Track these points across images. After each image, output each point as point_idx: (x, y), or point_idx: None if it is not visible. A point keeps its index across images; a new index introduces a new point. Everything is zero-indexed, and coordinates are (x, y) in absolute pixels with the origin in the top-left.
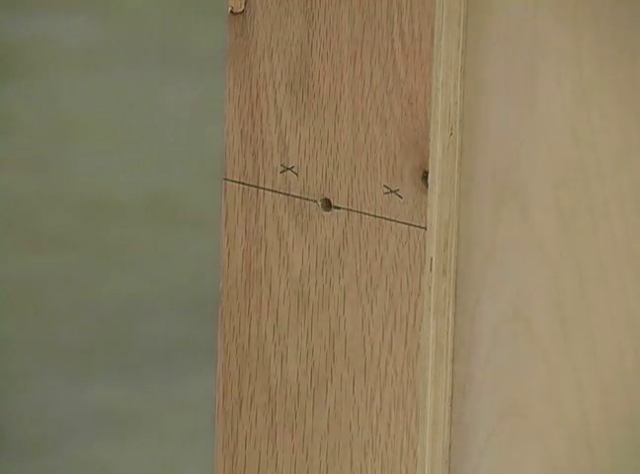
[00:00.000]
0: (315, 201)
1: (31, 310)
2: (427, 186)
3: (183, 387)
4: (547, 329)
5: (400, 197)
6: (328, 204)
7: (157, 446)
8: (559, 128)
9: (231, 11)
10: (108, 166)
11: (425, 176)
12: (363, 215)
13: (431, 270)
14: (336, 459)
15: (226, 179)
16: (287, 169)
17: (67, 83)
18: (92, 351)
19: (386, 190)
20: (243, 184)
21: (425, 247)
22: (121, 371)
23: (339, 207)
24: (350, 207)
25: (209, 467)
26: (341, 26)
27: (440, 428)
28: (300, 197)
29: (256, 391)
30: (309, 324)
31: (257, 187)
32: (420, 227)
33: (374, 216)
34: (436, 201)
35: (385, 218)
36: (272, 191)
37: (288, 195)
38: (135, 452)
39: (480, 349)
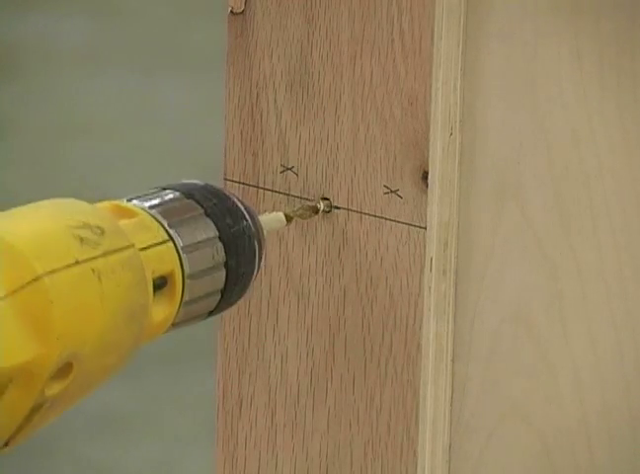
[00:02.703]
0: (315, 201)
1: None
2: (427, 186)
3: (183, 387)
4: (547, 329)
5: (400, 197)
6: (328, 205)
7: (157, 446)
8: (559, 128)
9: (231, 11)
10: (108, 166)
11: (425, 176)
12: (363, 215)
13: (431, 270)
14: (336, 459)
15: (226, 179)
16: (287, 169)
17: (67, 83)
18: None
19: (386, 190)
20: (243, 184)
21: (425, 247)
22: (122, 371)
23: (339, 208)
24: (350, 207)
25: (209, 467)
26: (341, 26)
27: (439, 428)
28: (300, 197)
29: (256, 391)
30: (309, 324)
31: (257, 187)
32: (420, 227)
33: (374, 216)
34: (436, 201)
35: (385, 218)
36: (272, 191)
37: (288, 195)
38: (135, 452)
39: (480, 349)
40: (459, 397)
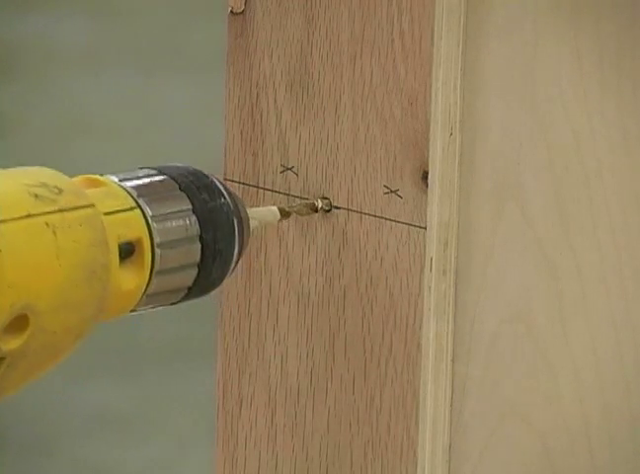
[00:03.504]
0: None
1: None
2: (427, 186)
3: (183, 387)
4: (547, 329)
5: (400, 197)
6: (328, 205)
7: (157, 446)
8: (559, 128)
9: (231, 11)
10: (108, 166)
11: (425, 176)
12: (363, 215)
13: (431, 270)
14: (336, 459)
15: (226, 179)
16: (287, 169)
17: (67, 83)
18: (92, 351)
19: (386, 190)
20: (243, 184)
21: (425, 247)
22: (121, 371)
23: (339, 207)
24: (350, 207)
25: (209, 467)
26: (341, 26)
27: (439, 428)
28: (300, 198)
29: (256, 391)
30: (309, 324)
31: (257, 187)
32: (420, 227)
33: (374, 216)
34: (436, 201)
35: (385, 218)
36: (272, 191)
37: (288, 195)
38: (135, 452)
39: (480, 349)
40: (459, 397)
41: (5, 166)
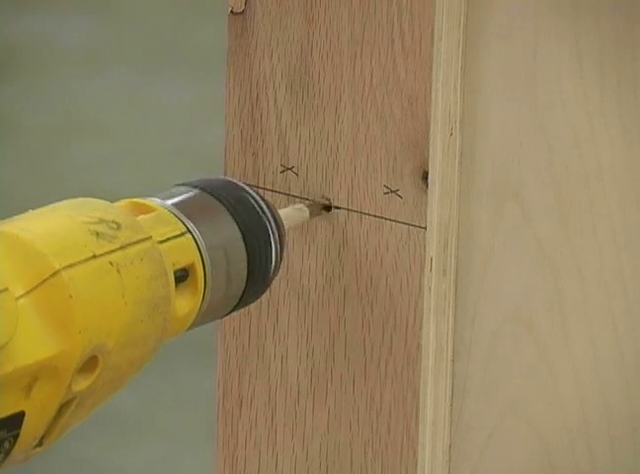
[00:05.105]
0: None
1: None
2: (427, 186)
3: (182, 387)
4: (547, 329)
5: (400, 196)
6: (328, 204)
7: (157, 446)
8: (559, 128)
9: (231, 11)
10: (108, 166)
11: (425, 176)
12: (363, 215)
13: (431, 270)
14: (336, 459)
15: None
16: (287, 169)
17: (67, 83)
18: None
19: (386, 190)
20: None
21: (425, 247)
22: None
23: (339, 207)
24: (350, 207)
25: (209, 467)
26: (341, 26)
27: (439, 428)
28: (300, 197)
29: (256, 391)
30: (309, 324)
31: (257, 187)
32: (420, 227)
33: (374, 216)
34: (436, 201)
35: (385, 218)
36: (272, 191)
37: (288, 195)
38: (135, 452)
39: (480, 349)
40: (459, 397)
41: (5, 166)
